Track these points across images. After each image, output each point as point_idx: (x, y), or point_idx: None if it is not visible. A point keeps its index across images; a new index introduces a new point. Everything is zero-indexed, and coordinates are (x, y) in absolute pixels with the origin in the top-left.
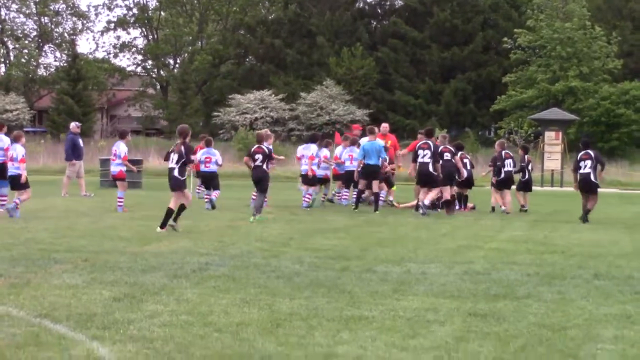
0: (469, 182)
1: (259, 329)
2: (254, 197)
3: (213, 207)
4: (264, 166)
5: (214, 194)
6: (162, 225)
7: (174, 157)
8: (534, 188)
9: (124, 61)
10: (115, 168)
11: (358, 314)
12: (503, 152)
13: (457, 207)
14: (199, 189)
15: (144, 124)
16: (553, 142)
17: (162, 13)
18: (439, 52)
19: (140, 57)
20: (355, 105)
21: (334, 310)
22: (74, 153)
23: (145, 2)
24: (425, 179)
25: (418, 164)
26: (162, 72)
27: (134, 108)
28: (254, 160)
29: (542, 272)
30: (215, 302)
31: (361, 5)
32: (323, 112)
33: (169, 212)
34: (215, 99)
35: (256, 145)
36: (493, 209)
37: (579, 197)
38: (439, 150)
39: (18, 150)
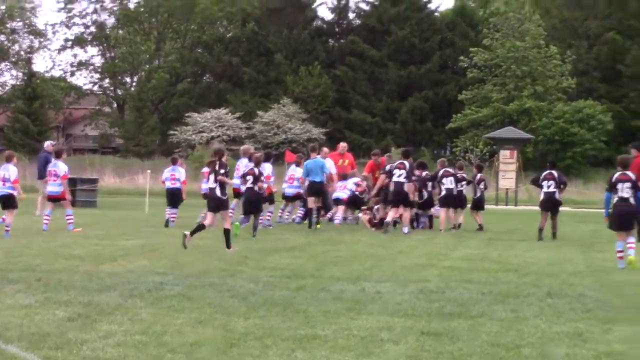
0: (430, 203)
1: (214, 349)
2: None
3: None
4: (255, 187)
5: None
6: (228, 246)
7: (213, 177)
8: (488, 206)
9: (81, 79)
10: (55, 188)
11: (312, 333)
12: (442, 170)
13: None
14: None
15: (100, 143)
16: (508, 161)
17: (120, 31)
18: (396, 70)
19: (97, 76)
20: (312, 124)
21: (289, 330)
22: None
23: (103, 20)
24: (399, 198)
25: (393, 182)
26: (118, 91)
27: (90, 127)
28: (245, 182)
29: (496, 291)
30: (169, 322)
31: (319, 23)
32: (280, 130)
33: (226, 232)
34: (172, 117)
35: (250, 167)
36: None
37: (534, 215)
38: (388, 169)
39: (11, 170)
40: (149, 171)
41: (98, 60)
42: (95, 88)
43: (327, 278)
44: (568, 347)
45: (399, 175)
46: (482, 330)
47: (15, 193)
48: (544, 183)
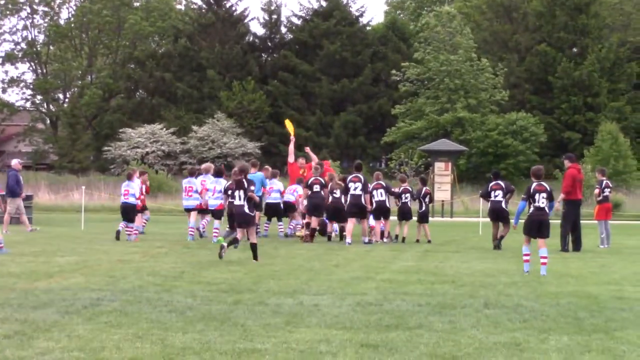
0: (383, 212)
1: None
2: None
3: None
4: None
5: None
6: (255, 258)
7: (240, 194)
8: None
9: (13, 96)
10: None
11: (251, 346)
12: (375, 182)
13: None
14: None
15: (34, 159)
16: (443, 173)
17: (51, 47)
18: (328, 84)
19: (29, 92)
20: (246, 138)
21: (227, 344)
22: (19, 189)
23: (33, 37)
24: (356, 210)
25: (350, 196)
26: (51, 107)
27: (23, 143)
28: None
29: (433, 302)
30: (107, 338)
31: (251, 39)
32: (215, 145)
33: (253, 246)
34: (106, 133)
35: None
36: (396, 237)
37: (470, 227)
38: (309, 182)
39: None
40: (83, 187)
41: (30, 77)
42: (28, 105)
43: (264, 292)
44: (505, 357)
45: (354, 189)
46: (420, 341)
47: None
48: (492, 193)
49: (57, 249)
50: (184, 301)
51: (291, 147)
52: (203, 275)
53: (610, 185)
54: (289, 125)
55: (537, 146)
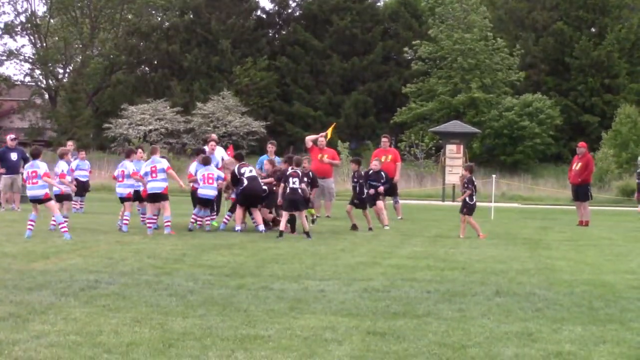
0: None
1: (151, 349)
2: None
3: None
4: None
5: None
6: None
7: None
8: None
9: (10, 69)
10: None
11: (253, 332)
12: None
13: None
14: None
15: (31, 136)
16: (454, 156)
17: (52, 20)
18: (339, 62)
19: (28, 66)
20: (252, 117)
21: (229, 329)
22: (2, 167)
23: (33, 8)
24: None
25: (289, 189)
26: (50, 82)
27: (18, 117)
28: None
29: (443, 289)
30: (104, 322)
31: (259, 13)
32: (220, 123)
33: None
34: (107, 110)
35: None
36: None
37: (480, 212)
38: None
39: None
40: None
41: (29, 50)
42: (27, 79)
43: (267, 276)
44: (517, 347)
45: (293, 182)
46: (428, 329)
47: None
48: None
49: (55, 229)
50: (185, 285)
51: (314, 136)
52: (205, 259)
53: None
54: (331, 130)
55: (552, 129)
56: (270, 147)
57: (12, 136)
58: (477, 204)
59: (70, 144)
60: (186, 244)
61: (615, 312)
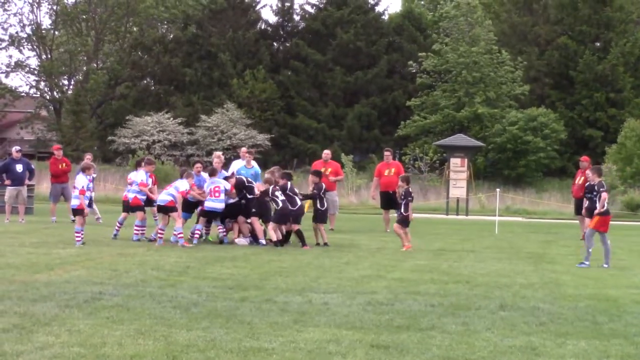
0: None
1: None
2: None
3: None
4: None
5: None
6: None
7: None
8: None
9: (16, 81)
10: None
11: (257, 345)
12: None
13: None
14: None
15: (37, 147)
16: (459, 169)
17: (57, 32)
18: (342, 75)
19: (33, 78)
20: (256, 130)
21: (233, 342)
22: (8, 178)
23: (39, 20)
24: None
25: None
26: (55, 94)
27: (25, 130)
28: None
29: (447, 303)
30: (108, 334)
31: (263, 26)
32: (224, 136)
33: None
34: (111, 122)
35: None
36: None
37: (486, 225)
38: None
39: None
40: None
41: (34, 62)
42: (32, 91)
43: (271, 289)
44: None
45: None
46: (432, 343)
47: None
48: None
49: (59, 240)
50: (189, 297)
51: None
52: (208, 271)
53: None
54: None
55: (556, 143)
56: (249, 156)
57: (18, 148)
58: (482, 217)
59: (88, 157)
60: (190, 256)
61: (619, 326)
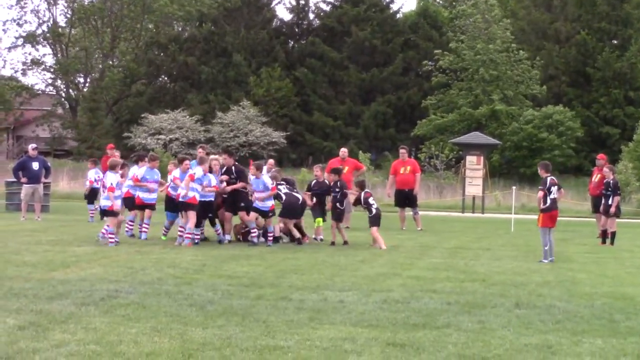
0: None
1: (170, 359)
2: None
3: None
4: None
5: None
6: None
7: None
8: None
9: (32, 78)
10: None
11: (273, 343)
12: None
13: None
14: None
15: (53, 145)
16: (474, 167)
17: (73, 30)
18: (357, 73)
19: (49, 75)
20: (272, 128)
21: (248, 340)
22: (24, 176)
23: (55, 18)
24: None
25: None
26: (71, 91)
27: (42, 128)
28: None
29: (463, 301)
30: (124, 331)
31: (278, 24)
32: (240, 133)
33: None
34: (127, 119)
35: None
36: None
37: (501, 223)
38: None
39: None
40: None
41: (50, 60)
42: (48, 89)
43: (287, 287)
44: (536, 359)
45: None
46: (448, 341)
47: None
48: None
49: (75, 238)
50: (205, 295)
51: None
52: (224, 269)
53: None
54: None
55: (573, 141)
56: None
57: (34, 145)
58: (498, 215)
59: (116, 154)
60: (206, 254)
61: (636, 324)
